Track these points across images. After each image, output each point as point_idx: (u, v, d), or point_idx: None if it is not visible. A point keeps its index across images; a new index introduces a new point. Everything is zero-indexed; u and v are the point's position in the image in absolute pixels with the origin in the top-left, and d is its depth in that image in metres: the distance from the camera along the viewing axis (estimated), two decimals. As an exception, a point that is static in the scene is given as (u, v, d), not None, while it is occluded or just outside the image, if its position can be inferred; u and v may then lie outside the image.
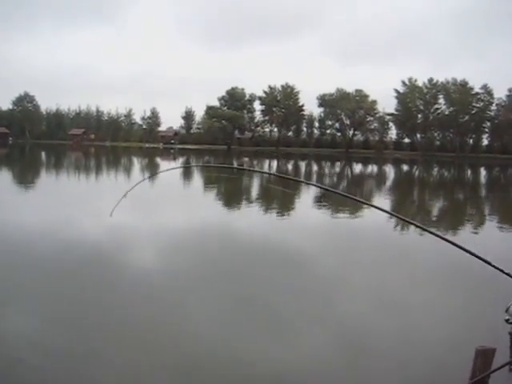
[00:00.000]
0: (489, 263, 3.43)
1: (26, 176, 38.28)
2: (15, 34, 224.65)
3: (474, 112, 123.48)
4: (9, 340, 7.04)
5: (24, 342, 6.97)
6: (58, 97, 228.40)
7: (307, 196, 26.31)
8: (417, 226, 3.80)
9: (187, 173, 40.33)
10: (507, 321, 3.37)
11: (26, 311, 8.25)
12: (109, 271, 10.77)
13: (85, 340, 7.05)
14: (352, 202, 24.59)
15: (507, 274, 3.35)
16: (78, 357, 6.54)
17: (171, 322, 7.90)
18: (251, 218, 19.78)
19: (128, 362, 6.48)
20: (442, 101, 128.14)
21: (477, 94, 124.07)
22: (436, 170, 70.62)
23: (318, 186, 8.08)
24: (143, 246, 13.73)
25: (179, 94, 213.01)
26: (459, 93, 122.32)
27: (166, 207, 22.00)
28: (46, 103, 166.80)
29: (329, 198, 23.98)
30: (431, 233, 3.79)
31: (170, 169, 5.93)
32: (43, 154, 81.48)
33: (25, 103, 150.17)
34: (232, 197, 28.00)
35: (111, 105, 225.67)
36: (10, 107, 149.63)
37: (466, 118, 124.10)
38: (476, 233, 18.14)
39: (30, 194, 25.95)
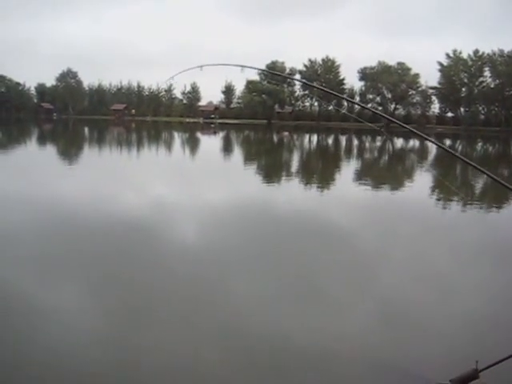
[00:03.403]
0: None
1: (75, 149, 39.31)
2: (57, 11, 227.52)
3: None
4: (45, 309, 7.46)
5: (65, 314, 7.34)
6: (99, 72, 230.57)
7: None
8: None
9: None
10: None
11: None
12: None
13: (127, 316, 7.27)
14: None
15: None
16: (121, 332, 6.70)
17: (217, 297, 8.16)
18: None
19: (174, 338, 6.60)
20: (487, 73, 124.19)
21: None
22: (480, 144, 69.04)
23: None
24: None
25: (219, 69, 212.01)
26: (506, 65, 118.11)
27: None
28: (89, 79, 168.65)
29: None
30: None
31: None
32: (87, 129, 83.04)
33: (68, 79, 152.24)
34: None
35: (151, 80, 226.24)
36: (54, 83, 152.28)
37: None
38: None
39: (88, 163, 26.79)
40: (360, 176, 26.56)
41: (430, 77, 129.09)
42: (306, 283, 8.77)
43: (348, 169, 30.42)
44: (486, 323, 7.13)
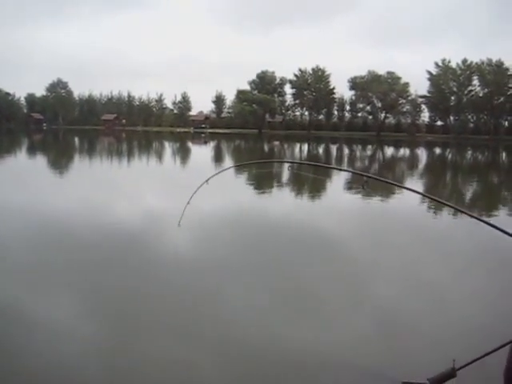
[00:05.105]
0: None
1: (65, 160, 39.17)
2: (50, 20, 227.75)
3: (509, 93, 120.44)
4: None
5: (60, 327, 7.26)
6: (90, 83, 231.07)
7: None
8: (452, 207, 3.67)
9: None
10: None
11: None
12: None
13: (124, 326, 7.17)
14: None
15: None
16: (118, 342, 6.60)
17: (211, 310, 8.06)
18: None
19: (168, 350, 6.49)
20: (476, 82, 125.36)
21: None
22: (469, 152, 69.51)
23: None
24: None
25: (209, 79, 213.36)
26: (494, 74, 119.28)
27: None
28: (79, 89, 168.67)
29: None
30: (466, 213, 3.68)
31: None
32: (78, 139, 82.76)
33: (58, 89, 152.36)
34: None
35: (142, 90, 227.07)
36: (44, 93, 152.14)
37: (502, 99, 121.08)
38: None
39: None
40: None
41: (419, 86, 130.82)
42: (300, 290, 8.75)
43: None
44: (464, 324, 7.14)
